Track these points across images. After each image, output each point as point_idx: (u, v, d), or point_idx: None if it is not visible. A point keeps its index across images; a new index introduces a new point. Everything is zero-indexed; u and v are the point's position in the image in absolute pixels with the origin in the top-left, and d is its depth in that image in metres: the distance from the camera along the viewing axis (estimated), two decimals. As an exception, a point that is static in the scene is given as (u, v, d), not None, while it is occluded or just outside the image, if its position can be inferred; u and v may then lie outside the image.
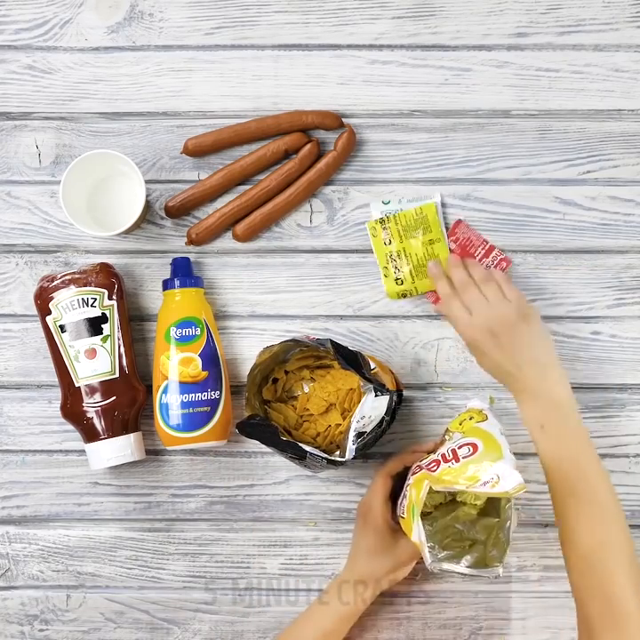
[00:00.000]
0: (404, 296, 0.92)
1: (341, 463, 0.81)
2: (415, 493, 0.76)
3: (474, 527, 0.82)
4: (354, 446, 0.80)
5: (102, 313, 0.88)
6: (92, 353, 0.87)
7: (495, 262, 0.91)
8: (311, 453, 0.80)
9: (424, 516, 0.81)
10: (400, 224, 0.91)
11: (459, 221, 0.92)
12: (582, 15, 0.93)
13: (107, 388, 0.88)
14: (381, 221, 0.91)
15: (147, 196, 0.90)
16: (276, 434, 0.82)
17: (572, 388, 0.92)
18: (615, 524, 0.76)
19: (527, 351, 0.82)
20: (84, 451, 0.90)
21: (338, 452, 0.85)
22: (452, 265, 0.88)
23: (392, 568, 0.83)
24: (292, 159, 0.91)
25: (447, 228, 0.92)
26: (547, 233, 0.93)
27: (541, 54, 0.93)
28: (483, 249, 0.92)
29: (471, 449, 0.75)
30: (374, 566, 0.83)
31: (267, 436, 0.81)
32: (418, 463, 0.81)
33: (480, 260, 0.91)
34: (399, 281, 0.91)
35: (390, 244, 0.91)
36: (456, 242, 0.92)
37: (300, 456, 0.80)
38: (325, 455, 0.81)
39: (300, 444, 0.81)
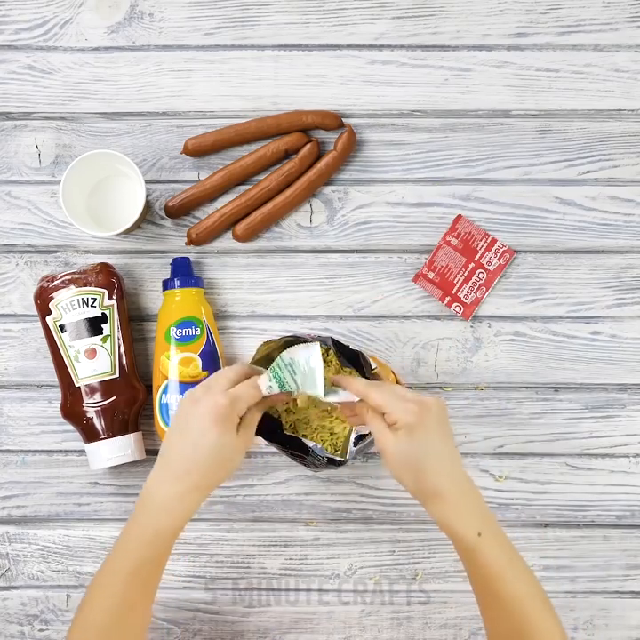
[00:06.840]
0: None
1: (341, 463, 0.81)
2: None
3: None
4: (354, 448, 0.80)
5: (102, 313, 0.88)
6: (91, 353, 0.87)
7: (499, 254, 0.91)
8: (314, 450, 0.80)
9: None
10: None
11: (459, 216, 0.92)
12: (582, 15, 0.93)
13: (107, 387, 0.88)
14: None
15: (147, 196, 0.90)
16: (279, 428, 0.82)
17: (572, 387, 0.92)
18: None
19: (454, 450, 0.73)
20: (83, 451, 0.90)
21: (338, 452, 0.85)
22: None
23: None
24: (292, 159, 0.92)
25: (448, 226, 0.92)
26: (547, 233, 0.93)
27: (541, 54, 0.93)
28: (485, 242, 0.92)
29: None
30: (220, 476, 0.72)
31: (269, 430, 0.81)
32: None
33: (483, 253, 0.91)
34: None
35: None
36: (457, 237, 0.92)
37: (302, 451, 0.80)
38: (327, 453, 0.81)
39: (303, 440, 0.80)
